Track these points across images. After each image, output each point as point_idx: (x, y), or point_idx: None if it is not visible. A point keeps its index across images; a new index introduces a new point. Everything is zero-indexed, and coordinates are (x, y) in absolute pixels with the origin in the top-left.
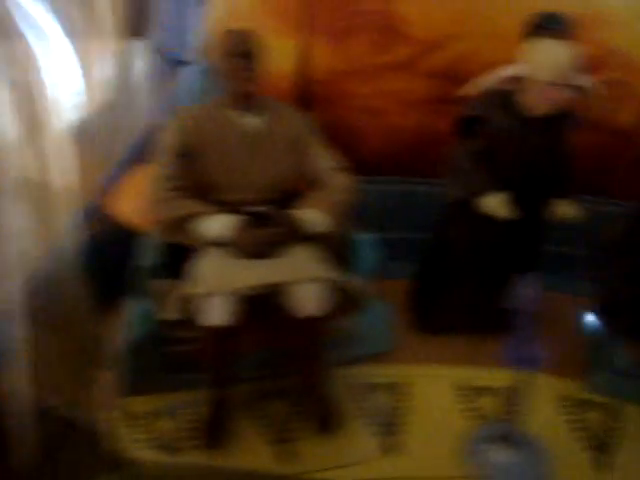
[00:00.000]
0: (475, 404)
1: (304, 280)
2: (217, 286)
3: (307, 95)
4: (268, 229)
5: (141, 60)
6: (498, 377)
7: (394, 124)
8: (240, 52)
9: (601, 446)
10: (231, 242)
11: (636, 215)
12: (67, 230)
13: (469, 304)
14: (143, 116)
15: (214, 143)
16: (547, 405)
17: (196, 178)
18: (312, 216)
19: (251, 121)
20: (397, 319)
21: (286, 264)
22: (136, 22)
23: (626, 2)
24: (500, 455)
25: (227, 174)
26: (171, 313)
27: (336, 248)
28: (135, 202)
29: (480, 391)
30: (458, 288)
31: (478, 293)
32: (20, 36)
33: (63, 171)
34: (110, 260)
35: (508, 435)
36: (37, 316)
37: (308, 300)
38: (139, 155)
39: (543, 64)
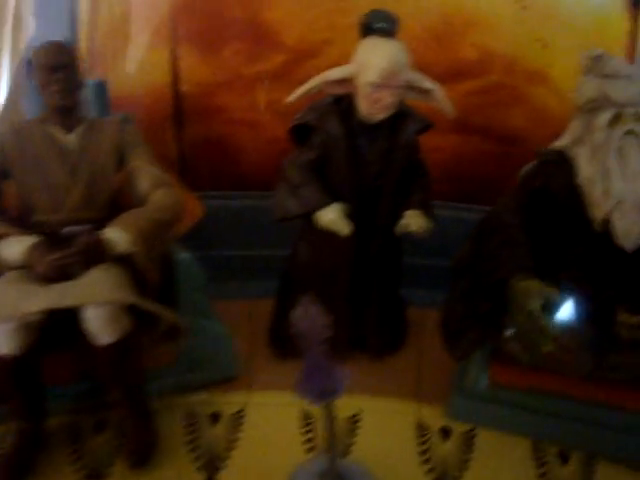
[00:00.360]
0: (320, 433)
1: (91, 303)
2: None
3: (180, 109)
4: (64, 250)
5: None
6: (352, 403)
7: (272, 136)
8: (53, 65)
9: (448, 477)
10: (27, 265)
11: (475, 234)
12: None
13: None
14: None
15: (33, 161)
16: (401, 434)
17: (16, 198)
18: (115, 235)
19: (70, 138)
20: (247, 343)
21: (76, 287)
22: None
23: (500, 5)
24: None
25: (46, 194)
26: None
27: (144, 268)
28: None
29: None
30: None
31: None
32: None
33: None
34: None
35: (333, 470)
36: None
37: (100, 325)
38: None
39: (367, 65)
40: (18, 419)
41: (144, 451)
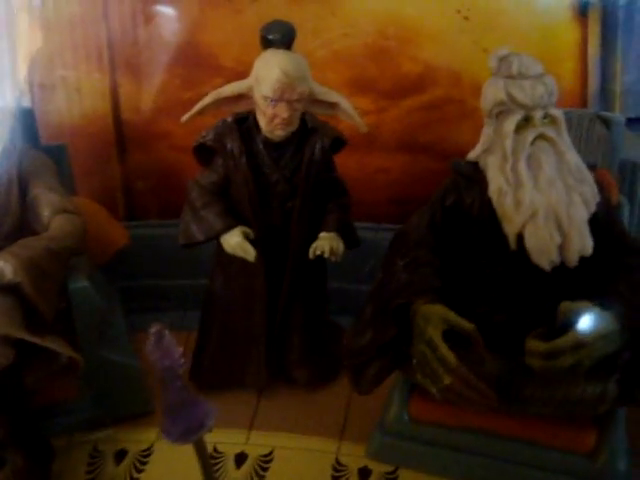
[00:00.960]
0: (229, 474)
1: None
2: None
3: (122, 137)
4: None
5: None
6: (267, 441)
7: None
8: None
9: None
10: None
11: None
12: None
13: (239, 361)
14: None
15: None
16: (315, 475)
17: None
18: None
19: None
20: None
21: None
22: None
23: (441, 17)
24: None
25: None
26: None
27: (38, 299)
28: None
29: (241, 458)
30: (224, 344)
31: (245, 346)
32: None
33: None
34: None
35: None
36: None
37: None
38: None
39: (262, 78)
40: None
41: None
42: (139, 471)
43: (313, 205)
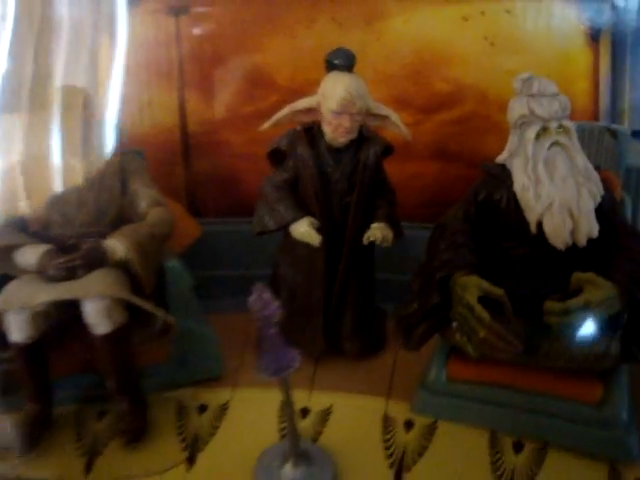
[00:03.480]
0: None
1: (89, 297)
2: (10, 303)
3: (187, 146)
4: (70, 255)
5: None
6: (326, 399)
7: (266, 168)
8: None
9: (404, 465)
10: (39, 269)
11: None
12: None
13: (300, 330)
14: None
15: None
16: (367, 426)
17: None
18: (114, 245)
19: None
20: (238, 349)
21: (78, 284)
22: None
23: (470, 43)
24: (287, 470)
25: (55, 212)
26: None
27: (139, 274)
28: None
29: (304, 412)
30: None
31: (306, 321)
32: None
33: None
34: None
35: (291, 454)
36: None
37: (97, 317)
38: None
39: (329, 95)
40: (29, 402)
41: (136, 431)
42: (220, 420)
43: (366, 201)
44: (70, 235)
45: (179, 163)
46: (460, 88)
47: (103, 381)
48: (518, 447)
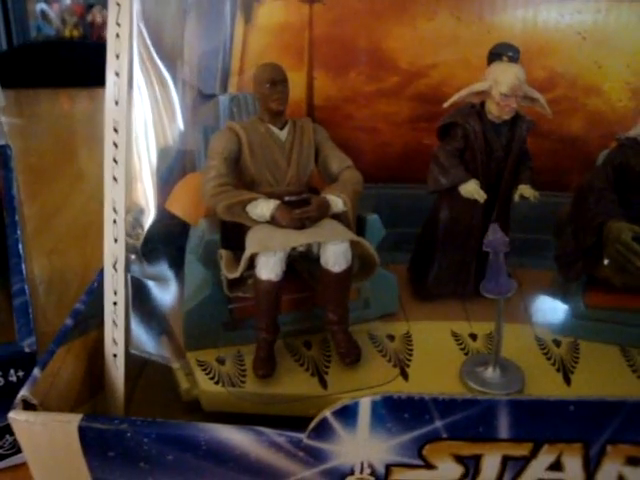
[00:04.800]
0: (470, 344)
1: (336, 240)
2: (267, 246)
3: (312, 117)
4: (302, 209)
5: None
6: (486, 327)
7: (384, 140)
8: (277, 80)
9: (567, 368)
10: (274, 220)
11: (577, 194)
12: None
13: (455, 274)
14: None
15: (257, 149)
16: (526, 343)
17: (240, 176)
18: (334, 199)
19: (282, 133)
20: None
21: (320, 230)
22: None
23: (565, 37)
24: (488, 373)
25: (268, 172)
26: (234, 273)
27: (350, 223)
28: (188, 201)
29: (473, 336)
30: (445, 261)
31: (461, 264)
32: None
33: None
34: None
35: (494, 360)
36: None
37: (337, 257)
38: (178, 171)
39: (500, 81)
40: (263, 333)
41: (355, 354)
42: (410, 345)
43: (516, 166)
44: (278, 194)
45: None
46: (553, 75)
47: (303, 317)
48: None
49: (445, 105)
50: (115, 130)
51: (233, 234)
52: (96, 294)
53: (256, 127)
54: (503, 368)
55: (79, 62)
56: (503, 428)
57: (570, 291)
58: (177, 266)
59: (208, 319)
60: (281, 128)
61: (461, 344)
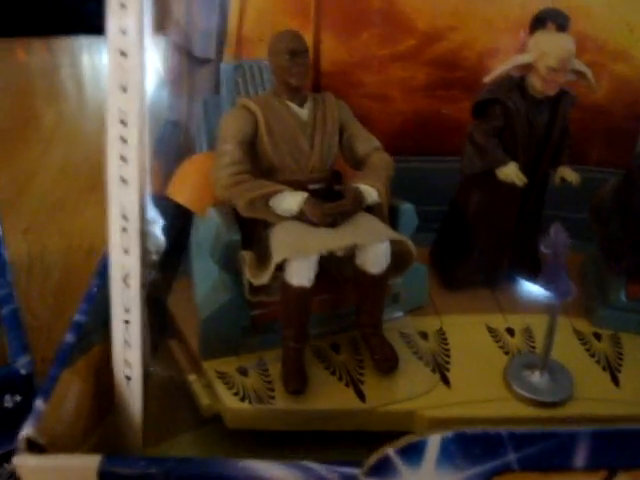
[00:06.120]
0: (508, 341)
1: (378, 241)
2: (300, 250)
3: (318, 84)
4: (335, 202)
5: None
6: (521, 320)
7: (398, 108)
8: (297, 51)
9: (613, 366)
10: (303, 215)
11: (625, 180)
12: None
13: (487, 262)
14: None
15: (276, 130)
16: (566, 338)
17: (256, 162)
18: (368, 189)
19: (303, 111)
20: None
21: (357, 228)
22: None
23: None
24: (536, 378)
25: (289, 157)
26: (260, 279)
27: (384, 216)
28: (194, 188)
29: (510, 331)
30: (477, 248)
31: (494, 251)
32: None
33: None
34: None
35: (540, 362)
36: None
37: (377, 258)
38: (168, 147)
39: (548, 53)
40: (291, 342)
41: (392, 361)
42: (445, 344)
43: (558, 146)
44: (300, 182)
45: None
46: (583, 38)
47: (328, 319)
48: None
49: (486, 80)
50: (123, 122)
51: (249, 229)
52: (96, 301)
53: (273, 105)
54: (551, 371)
55: (36, 9)
56: (579, 458)
57: (610, 281)
58: (177, 254)
59: (228, 326)
60: (301, 105)
61: (499, 341)
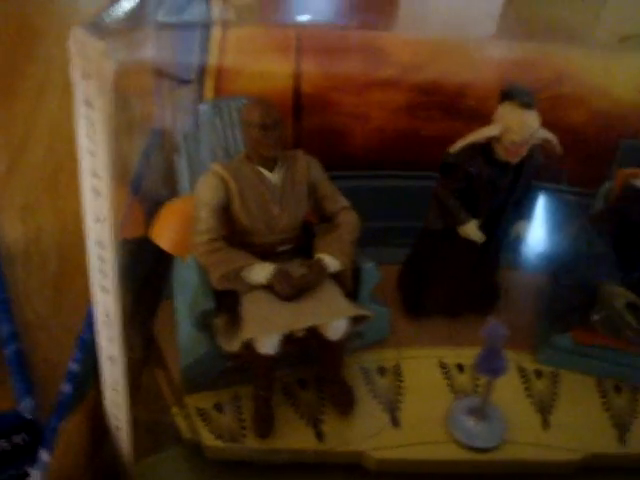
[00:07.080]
0: (457, 379)
1: (336, 319)
2: (265, 329)
3: (299, 105)
4: (301, 276)
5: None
6: (473, 354)
7: (376, 126)
8: (269, 125)
9: (546, 408)
10: (271, 287)
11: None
12: None
13: (446, 294)
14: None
15: (248, 196)
16: (509, 376)
17: (230, 224)
18: (331, 261)
19: (274, 175)
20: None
21: (319, 305)
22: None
23: None
24: (471, 423)
25: (260, 222)
26: (231, 347)
27: (347, 279)
28: (175, 232)
29: (460, 367)
30: (439, 282)
31: (453, 286)
32: None
33: None
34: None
35: (478, 407)
36: None
37: (338, 329)
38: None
39: (512, 129)
40: (261, 391)
41: (349, 403)
42: (399, 380)
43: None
44: (271, 243)
45: (289, 119)
46: (559, 74)
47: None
48: (617, 389)
49: (452, 150)
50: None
51: (226, 295)
52: (88, 347)
53: (244, 171)
54: (486, 417)
55: None
56: None
57: (558, 322)
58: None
59: (207, 371)
60: (271, 170)
61: (449, 378)
